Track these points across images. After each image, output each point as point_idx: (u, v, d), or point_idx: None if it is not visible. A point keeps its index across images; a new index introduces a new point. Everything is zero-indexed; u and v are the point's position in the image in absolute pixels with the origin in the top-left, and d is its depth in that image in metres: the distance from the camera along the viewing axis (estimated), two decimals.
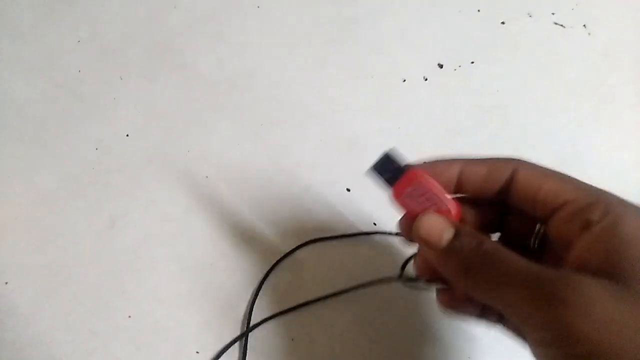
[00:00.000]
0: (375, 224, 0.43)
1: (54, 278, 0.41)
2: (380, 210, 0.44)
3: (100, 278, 0.41)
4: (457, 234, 0.26)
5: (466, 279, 0.25)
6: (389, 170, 0.29)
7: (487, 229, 0.31)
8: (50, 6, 0.53)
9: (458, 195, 0.30)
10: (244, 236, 0.43)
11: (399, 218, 0.30)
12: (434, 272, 0.29)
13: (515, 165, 0.28)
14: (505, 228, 0.31)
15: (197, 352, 0.39)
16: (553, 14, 0.54)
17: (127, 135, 0.47)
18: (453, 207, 0.28)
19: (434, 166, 0.29)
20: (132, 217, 0.43)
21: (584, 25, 0.53)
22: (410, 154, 0.46)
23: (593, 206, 0.24)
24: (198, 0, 0.54)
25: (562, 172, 0.27)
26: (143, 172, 0.45)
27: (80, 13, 0.52)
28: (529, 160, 0.28)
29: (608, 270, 0.22)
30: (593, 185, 0.26)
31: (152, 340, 0.39)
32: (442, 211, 0.27)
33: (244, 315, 0.40)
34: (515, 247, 0.25)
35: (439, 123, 0.48)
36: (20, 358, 0.39)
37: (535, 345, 0.23)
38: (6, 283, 0.41)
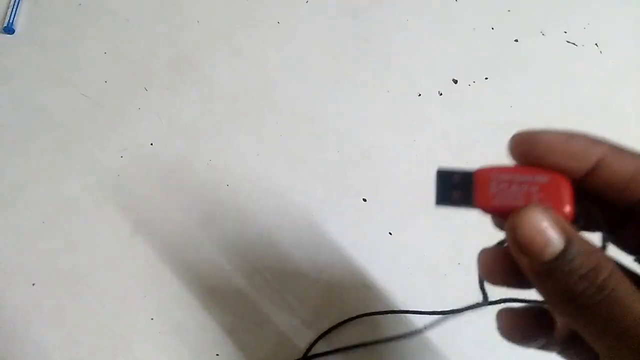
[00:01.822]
0: (390, 234, 0.44)
1: (79, 281, 0.42)
2: (396, 219, 0.45)
3: (123, 282, 0.42)
4: (567, 248, 0.20)
5: (568, 308, 0.20)
6: (455, 186, 0.23)
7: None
8: (77, 20, 0.55)
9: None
10: (264, 244, 0.44)
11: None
12: (508, 276, 0.23)
13: None
14: (618, 232, 0.24)
15: (217, 355, 0.40)
16: (565, 32, 0.55)
17: (151, 145, 0.48)
18: (566, 197, 0.21)
19: (571, 143, 0.22)
20: (154, 223, 0.45)
21: (596, 44, 0.54)
22: (424, 168, 0.47)
23: None
24: (219, 16, 0.55)
25: None
26: (166, 181, 0.47)
27: (106, 27, 0.54)
28: None
29: None
30: None
31: (174, 342, 0.40)
32: (550, 200, 0.21)
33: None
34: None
35: (452, 137, 0.49)
36: (45, 358, 0.40)
37: None
38: (33, 284, 0.42)
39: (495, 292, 0.26)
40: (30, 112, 0.50)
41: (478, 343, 0.40)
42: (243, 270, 0.43)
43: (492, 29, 0.55)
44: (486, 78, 0.52)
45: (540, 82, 0.52)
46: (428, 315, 0.40)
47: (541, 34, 0.55)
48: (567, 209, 0.21)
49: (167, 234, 0.44)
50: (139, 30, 0.54)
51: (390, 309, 0.41)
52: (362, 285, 0.43)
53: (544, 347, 0.25)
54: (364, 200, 0.46)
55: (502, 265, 0.23)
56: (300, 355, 0.40)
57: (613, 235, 0.24)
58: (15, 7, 0.54)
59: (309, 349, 0.40)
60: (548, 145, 0.22)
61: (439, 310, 0.40)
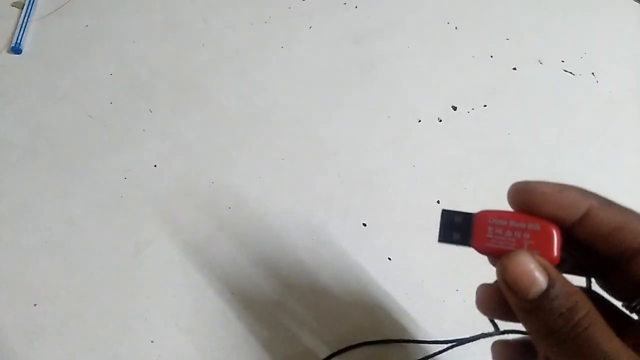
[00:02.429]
0: (390, 259, 0.45)
1: (81, 301, 0.43)
2: (395, 244, 0.45)
3: (124, 303, 0.43)
4: (550, 289, 0.22)
5: (546, 343, 0.22)
6: (456, 228, 0.25)
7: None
8: (84, 41, 0.56)
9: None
10: (264, 267, 0.44)
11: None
12: (496, 309, 0.25)
13: None
14: (606, 279, 0.26)
15: None
16: (563, 61, 0.56)
17: (155, 166, 0.49)
18: (554, 244, 0.24)
19: (562, 194, 0.24)
20: (156, 245, 0.45)
21: (593, 73, 0.56)
22: (423, 193, 0.48)
23: None
24: (225, 40, 0.56)
25: None
26: (168, 202, 0.47)
27: (113, 48, 0.55)
28: None
29: None
30: None
31: None
32: (539, 245, 0.24)
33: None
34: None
35: (451, 163, 0.50)
36: None
37: None
38: (35, 305, 0.43)
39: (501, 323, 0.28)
40: (36, 131, 0.50)
41: None
42: (242, 293, 0.43)
43: (491, 57, 0.56)
44: (485, 105, 0.53)
45: (537, 110, 0.53)
46: (433, 345, 0.41)
47: (539, 62, 0.56)
48: (554, 254, 0.23)
49: (169, 255, 0.45)
50: (145, 52, 0.55)
51: (388, 337, 0.42)
52: (360, 311, 0.43)
53: None
54: (364, 224, 0.47)
55: (495, 300, 0.25)
56: None
57: (602, 281, 0.26)
58: (23, 27, 0.55)
59: None
60: (542, 195, 0.24)
61: (450, 339, 0.41)
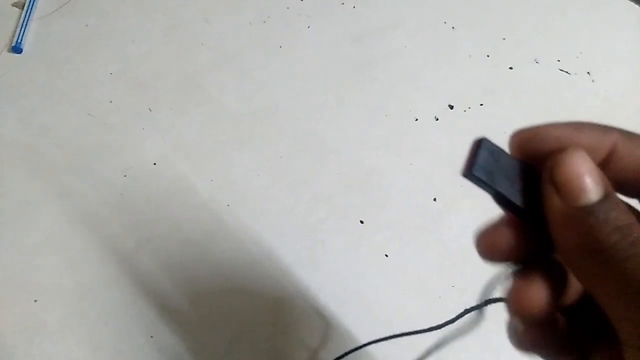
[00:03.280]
0: (387, 255, 0.46)
1: (82, 298, 0.43)
2: (392, 241, 0.46)
3: (125, 299, 0.43)
4: (605, 199, 0.18)
5: (592, 262, 0.18)
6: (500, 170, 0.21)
7: None
8: (84, 41, 0.56)
9: None
10: (263, 264, 0.45)
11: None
12: (504, 249, 0.21)
13: None
14: None
15: None
16: (559, 60, 0.57)
17: (155, 164, 0.49)
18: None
19: (581, 135, 0.20)
20: (156, 243, 0.46)
21: (588, 73, 0.56)
22: (421, 190, 0.49)
23: None
24: (224, 39, 0.57)
25: None
26: (168, 200, 0.48)
27: (113, 48, 0.56)
28: None
29: None
30: None
31: None
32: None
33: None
34: None
35: (448, 161, 0.51)
36: None
37: None
38: (35, 301, 0.43)
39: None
40: (37, 130, 0.51)
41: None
42: (243, 290, 0.44)
43: (488, 56, 0.57)
44: (481, 104, 0.54)
45: (533, 109, 0.54)
46: (427, 333, 0.41)
47: (535, 62, 0.57)
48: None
49: (168, 252, 0.45)
50: (145, 52, 0.56)
51: (385, 334, 0.42)
52: (358, 308, 0.44)
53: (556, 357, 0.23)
54: (362, 222, 0.47)
55: (504, 237, 0.21)
56: None
57: None
58: (23, 27, 0.56)
59: None
60: (556, 141, 0.20)
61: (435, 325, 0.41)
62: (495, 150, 0.21)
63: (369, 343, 0.42)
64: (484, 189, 0.21)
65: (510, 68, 0.56)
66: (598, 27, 0.60)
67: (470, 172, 0.20)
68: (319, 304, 0.44)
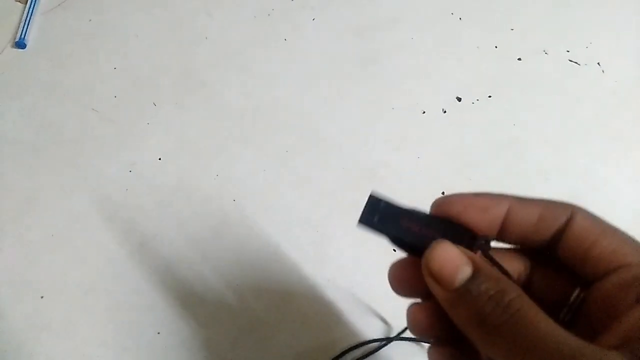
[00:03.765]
0: (394, 250, 0.45)
1: (87, 294, 0.43)
2: None
3: (130, 296, 0.43)
4: (475, 274, 0.21)
5: (479, 331, 0.21)
6: (383, 215, 0.25)
7: None
8: (88, 36, 0.56)
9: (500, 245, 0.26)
10: (269, 260, 0.45)
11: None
12: (432, 323, 0.24)
13: (571, 212, 0.24)
14: (530, 284, 0.26)
15: None
16: (568, 51, 0.56)
17: (159, 159, 0.49)
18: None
19: (478, 200, 0.24)
20: (161, 238, 0.45)
21: (598, 63, 0.55)
22: (428, 185, 0.48)
23: None
24: (227, 34, 0.56)
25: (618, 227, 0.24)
26: (173, 195, 0.47)
27: (116, 43, 0.55)
28: (585, 209, 0.24)
29: None
30: None
31: (179, 356, 0.41)
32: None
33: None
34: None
35: (456, 154, 0.50)
36: None
37: None
38: (42, 297, 0.43)
39: None
40: (41, 126, 0.51)
41: None
42: (249, 286, 0.44)
43: (496, 47, 0.56)
44: (489, 96, 0.53)
45: (542, 101, 0.53)
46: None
47: (544, 52, 0.56)
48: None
49: (174, 248, 0.45)
50: (148, 47, 0.55)
51: (395, 331, 0.42)
52: (366, 304, 0.43)
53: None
54: None
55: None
56: None
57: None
58: (27, 22, 0.55)
59: None
60: (461, 204, 0.24)
61: None
62: (380, 202, 0.25)
63: (371, 341, 0.42)
64: (380, 233, 0.25)
65: (519, 59, 0.55)
66: (608, 17, 0.58)
67: (358, 222, 0.25)
68: (325, 300, 0.43)
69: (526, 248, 0.25)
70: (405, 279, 0.26)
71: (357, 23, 0.57)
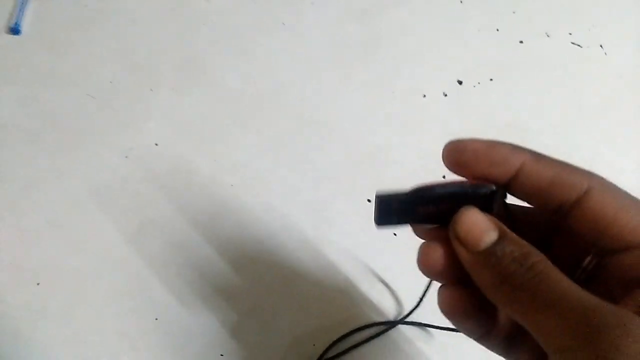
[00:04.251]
0: (395, 234, 0.44)
1: (84, 280, 0.43)
2: None
3: (128, 282, 0.43)
4: (500, 239, 0.22)
5: (502, 291, 0.21)
6: (398, 211, 0.25)
7: None
8: (83, 21, 0.55)
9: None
10: (269, 245, 0.44)
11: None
12: (446, 272, 0.25)
13: (590, 181, 0.23)
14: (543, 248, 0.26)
15: (222, 355, 0.40)
16: (570, 34, 0.55)
17: (156, 145, 0.48)
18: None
19: (493, 150, 0.24)
20: (159, 223, 0.45)
21: (601, 46, 0.55)
22: (429, 168, 0.47)
23: None
24: (226, 18, 0.56)
25: None
26: (171, 180, 0.47)
27: (112, 28, 0.55)
28: (604, 178, 0.24)
29: None
30: None
31: (179, 342, 0.40)
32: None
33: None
34: None
35: (457, 138, 0.49)
36: (52, 357, 0.40)
37: None
38: (38, 284, 0.42)
39: None
40: (37, 112, 0.50)
41: None
42: (248, 270, 0.43)
43: (497, 30, 0.55)
44: (491, 79, 0.52)
45: (544, 84, 0.52)
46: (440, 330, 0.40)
47: (546, 35, 0.55)
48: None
49: (172, 233, 0.44)
50: (145, 32, 0.55)
51: (395, 316, 0.41)
52: (367, 288, 0.43)
53: (487, 339, 0.26)
54: (369, 200, 0.46)
55: (444, 260, 0.25)
56: None
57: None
58: (22, 7, 0.54)
59: (321, 356, 0.40)
60: (474, 153, 0.24)
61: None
62: (390, 199, 0.25)
63: (373, 325, 0.41)
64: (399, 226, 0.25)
65: (521, 42, 0.55)
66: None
67: (376, 224, 0.26)
68: (326, 284, 0.43)
69: (541, 211, 0.25)
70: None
71: (356, 7, 0.56)
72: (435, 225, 0.25)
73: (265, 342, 0.41)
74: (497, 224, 0.23)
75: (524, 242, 0.22)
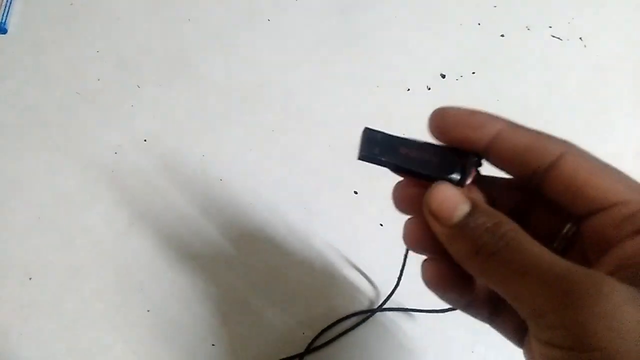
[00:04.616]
0: (381, 225, 0.45)
1: (76, 275, 0.43)
2: (387, 210, 0.46)
3: (119, 275, 0.43)
4: (473, 211, 0.23)
5: (476, 261, 0.22)
6: (382, 146, 0.26)
7: None
8: (69, 19, 0.55)
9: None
10: (257, 237, 0.45)
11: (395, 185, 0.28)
12: (428, 244, 0.25)
13: (564, 147, 0.24)
14: (522, 220, 0.26)
15: (213, 345, 0.40)
16: (550, 27, 0.56)
17: (145, 141, 0.49)
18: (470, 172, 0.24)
19: (472, 117, 0.25)
20: (149, 218, 0.45)
21: (580, 38, 0.56)
22: None
23: None
24: (211, 14, 0.56)
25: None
26: (160, 176, 0.47)
27: (98, 26, 0.55)
28: (578, 146, 0.24)
29: None
30: None
31: (169, 333, 0.41)
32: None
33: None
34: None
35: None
36: (43, 352, 0.41)
37: (541, 345, 0.20)
38: (30, 279, 0.43)
39: None
40: (24, 110, 0.50)
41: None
42: (237, 263, 0.44)
43: (479, 24, 0.56)
44: (473, 72, 0.53)
45: (526, 76, 0.54)
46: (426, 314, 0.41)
47: (527, 29, 0.56)
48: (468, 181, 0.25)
49: (161, 228, 0.45)
50: (130, 29, 0.55)
51: (384, 304, 0.42)
52: (354, 278, 0.44)
53: (471, 308, 0.26)
54: (355, 192, 0.47)
55: (422, 233, 0.25)
56: (302, 350, 0.41)
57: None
58: (7, 7, 0.55)
59: (310, 344, 0.41)
60: (454, 117, 0.25)
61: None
62: (377, 134, 0.26)
63: (356, 313, 0.42)
64: (381, 165, 0.26)
65: (502, 35, 0.56)
66: None
67: (359, 156, 0.26)
68: (313, 275, 0.43)
69: (518, 179, 0.25)
70: (408, 198, 0.27)
71: (340, 2, 0.57)
72: (411, 178, 0.27)
73: (256, 331, 0.41)
74: (469, 196, 0.23)
75: (496, 212, 0.23)
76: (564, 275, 0.19)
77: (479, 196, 0.26)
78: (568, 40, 0.56)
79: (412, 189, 0.26)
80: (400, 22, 0.56)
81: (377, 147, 0.26)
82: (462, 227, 0.22)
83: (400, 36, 0.55)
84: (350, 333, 0.41)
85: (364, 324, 0.42)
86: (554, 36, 0.56)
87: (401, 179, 0.27)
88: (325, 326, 0.41)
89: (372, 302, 0.43)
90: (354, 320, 0.42)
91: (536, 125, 0.53)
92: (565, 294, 0.19)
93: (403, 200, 0.27)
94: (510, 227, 0.22)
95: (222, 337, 0.41)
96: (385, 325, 0.42)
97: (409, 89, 0.52)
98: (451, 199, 0.23)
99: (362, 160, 0.26)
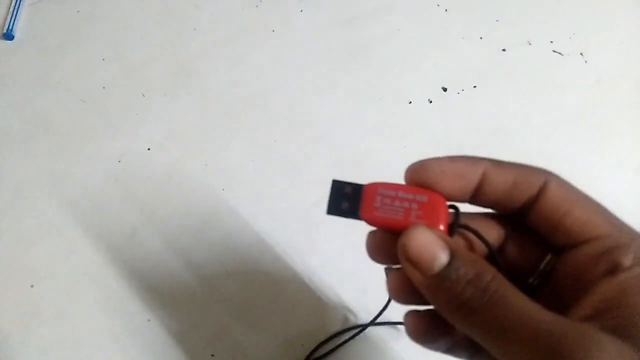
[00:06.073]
0: None
1: (78, 283, 0.43)
2: None
3: (120, 284, 0.44)
4: (452, 260, 0.21)
5: (458, 315, 0.21)
6: (346, 199, 0.25)
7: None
8: (76, 27, 0.56)
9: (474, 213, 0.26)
10: (257, 248, 0.45)
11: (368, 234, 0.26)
12: (411, 294, 0.24)
13: (546, 178, 0.23)
14: (504, 250, 0.26)
15: (213, 355, 0.41)
16: (552, 42, 0.57)
17: (149, 150, 0.49)
18: (442, 215, 0.23)
19: (454, 166, 0.24)
20: (152, 228, 0.46)
21: (581, 54, 0.56)
22: None
23: (626, 249, 0.21)
24: (216, 25, 0.57)
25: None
26: (163, 185, 0.48)
27: (104, 34, 0.56)
28: (560, 176, 0.24)
29: (629, 331, 0.19)
30: (629, 225, 0.23)
31: (170, 343, 0.41)
32: (430, 216, 0.23)
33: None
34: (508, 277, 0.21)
35: (442, 144, 0.51)
36: None
37: None
38: (32, 286, 0.43)
39: None
40: (30, 117, 0.51)
41: None
42: (239, 273, 0.44)
43: (481, 38, 0.57)
44: (475, 86, 0.54)
45: (526, 91, 0.54)
46: None
47: (528, 43, 0.57)
48: (441, 226, 0.23)
49: (164, 237, 0.45)
50: (137, 37, 0.56)
51: (386, 317, 0.43)
52: (354, 290, 0.44)
53: (452, 351, 0.26)
54: None
55: (405, 284, 0.24)
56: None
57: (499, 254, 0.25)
58: (15, 13, 0.55)
59: (309, 355, 0.41)
60: (438, 168, 0.24)
61: None
62: (345, 186, 0.25)
63: (366, 325, 0.42)
64: (350, 219, 0.25)
65: (504, 50, 0.56)
66: (591, 8, 0.59)
67: (327, 211, 0.25)
68: (315, 286, 0.44)
69: (500, 214, 0.25)
70: (382, 247, 0.25)
71: (344, 14, 0.58)
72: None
73: (255, 342, 0.42)
74: (447, 242, 0.22)
75: (477, 259, 0.22)
76: (551, 332, 0.19)
77: (457, 238, 0.25)
78: (569, 55, 0.56)
79: (387, 236, 0.25)
80: (403, 35, 0.57)
81: (346, 201, 0.25)
82: (443, 279, 0.21)
83: (403, 49, 0.56)
84: (343, 347, 0.42)
85: (356, 339, 0.42)
86: (555, 51, 0.56)
87: (374, 228, 0.26)
88: (324, 339, 0.42)
89: (370, 317, 0.43)
90: (347, 335, 0.42)
91: (538, 140, 0.54)
92: (554, 352, 0.19)
93: (377, 249, 0.26)
94: (492, 276, 0.21)
95: (222, 348, 0.41)
96: (380, 338, 0.42)
97: (410, 102, 0.53)
98: (430, 246, 0.22)
99: (330, 214, 0.25)
